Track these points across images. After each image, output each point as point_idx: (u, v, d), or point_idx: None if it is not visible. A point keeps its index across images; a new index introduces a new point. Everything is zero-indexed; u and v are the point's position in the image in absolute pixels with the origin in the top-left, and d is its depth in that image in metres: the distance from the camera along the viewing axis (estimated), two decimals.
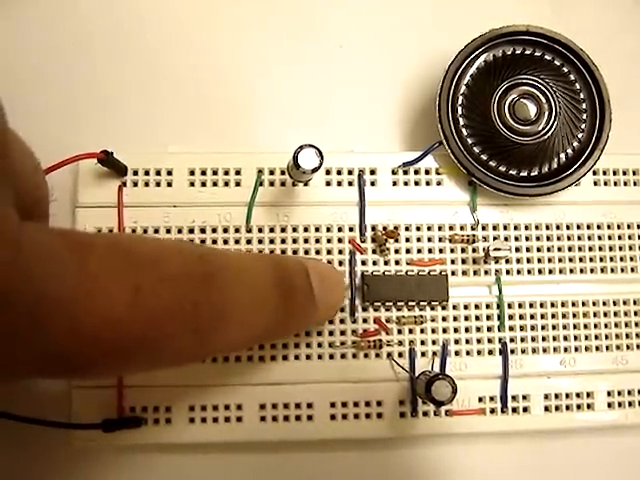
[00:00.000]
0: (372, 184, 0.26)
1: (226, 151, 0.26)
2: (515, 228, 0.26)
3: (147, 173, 0.25)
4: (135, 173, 0.25)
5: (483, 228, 0.26)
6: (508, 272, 0.26)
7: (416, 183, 0.26)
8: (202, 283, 0.16)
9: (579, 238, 0.26)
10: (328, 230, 0.26)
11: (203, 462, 0.25)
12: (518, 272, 0.26)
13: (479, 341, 0.26)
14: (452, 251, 0.26)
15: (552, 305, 0.26)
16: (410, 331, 0.25)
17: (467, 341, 0.25)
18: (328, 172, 0.26)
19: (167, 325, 0.15)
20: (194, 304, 0.16)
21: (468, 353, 0.25)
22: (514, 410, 0.25)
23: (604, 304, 0.26)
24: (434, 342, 0.25)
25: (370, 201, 0.26)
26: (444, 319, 0.26)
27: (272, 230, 0.25)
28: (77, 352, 0.14)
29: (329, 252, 0.25)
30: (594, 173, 0.27)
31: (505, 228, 0.26)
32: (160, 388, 0.24)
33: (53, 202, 0.21)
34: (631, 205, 0.27)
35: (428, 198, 0.26)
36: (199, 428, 0.24)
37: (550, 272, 0.26)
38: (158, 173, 0.25)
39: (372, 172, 0.26)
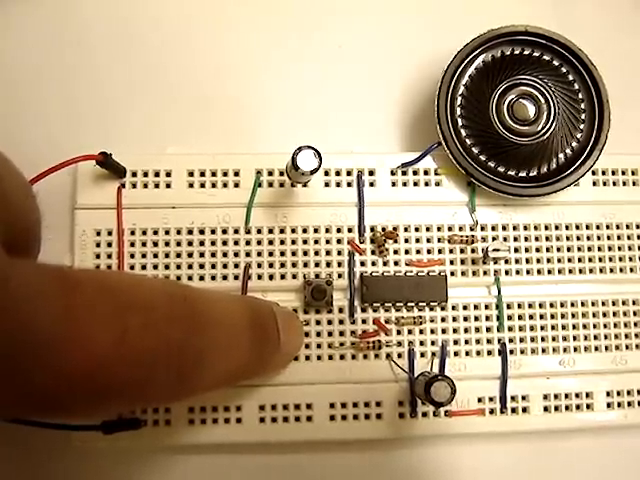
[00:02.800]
0: (371, 185, 0.26)
1: (225, 152, 0.26)
2: (514, 228, 0.26)
3: (146, 174, 0.25)
4: (134, 174, 0.25)
5: (482, 229, 0.26)
6: (507, 272, 0.26)
7: (415, 184, 0.26)
8: (187, 326, 0.16)
9: (578, 238, 0.26)
10: (327, 231, 0.26)
11: (203, 463, 0.25)
12: (517, 272, 0.26)
13: (478, 342, 0.26)
14: (451, 252, 0.26)
15: (551, 305, 0.26)
16: (409, 332, 0.25)
17: (466, 342, 0.26)
18: (327, 173, 0.26)
19: (152, 368, 0.15)
20: (179, 347, 0.16)
21: (467, 354, 0.25)
22: (513, 410, 0.25)
23: (603, 304, 0.26)
24: (433, 343, 0.25)
25: (369, 202, 0.26)
26: (443, 320, 0.26)
27: (271, 231, 0.25)
28: (60, 393, 0.14)
29: (328, 253, 0.25)
30: (593, 173, 0.27)
31: (504, 228, 0.26)
32: None
33: (51, 205, 0.21)
34: (630, 205, 0.27)
35: (427, 199, 0.26)
36: (199, 429, 0.24)
37: (549, 272, 0.26)
38: (157, 174, 0.25)
39: (371, 173, 0.26)
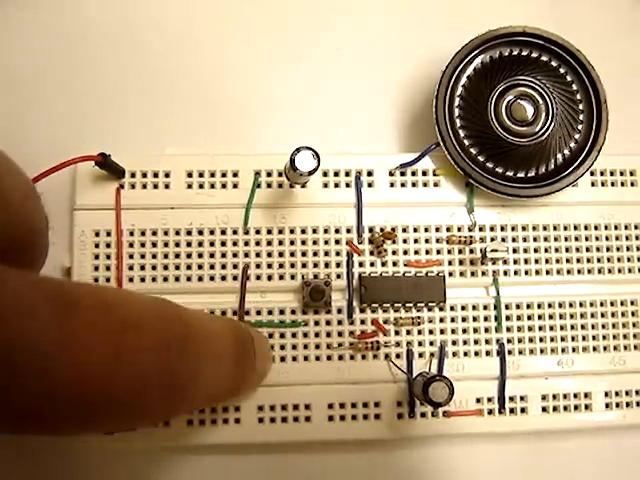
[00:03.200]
0: (369, 185, 0.26)
1: (223, 153, 0.26)
2: (512, 229, 0.26)
3: (145, 175, 0.25)
4: (133, 175, 0.25)
5: (480, 229, 0.26)
6: (505, 273, 0.26)
7: (413, 184, 0.26)
8: (182, 351, 0.16)
9: (576, 239, 0.26)
10: (325, 232, 0.26)
11: (202, 464, 0.25)
12: (515, 273, 0.26)
13: (476, 342, 0.26)
14: (449, 252, 0.26)
15: (549, 306, 0.26)
16: (407, 332, 0.25)
17: (464, 342, 0.26)
18: (325, 174, 0.26)
19: (145, 390, 0.15)
20: (173, 371, 0.16)
21: (466, 354, 0.25)
22: (512, 411, 0.25)
23: (601, 305, 0.26)
24: (431, 343, 0.25)
25: (367, 202, 0.26)
26: (441, 320, 0.26)
27: (269, 232, 0.25)
28: (49, 411, 0.13)
29: (326, 254, 0.25)
30: (591, 174, 0.27)
31: (502, 229, 0.26)
32: None
33: (50, 206, 0.21)
34: (628, 206, 0.27)
35: (425, 199, 0.26)
36: (197, 430, 0.24)
37: (547, 273, 0.26)
38: (156, 175, 0.25)
39: (369, 173, 0.26)
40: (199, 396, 0.18)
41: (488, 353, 0.26)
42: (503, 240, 0.26)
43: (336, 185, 0.26)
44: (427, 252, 0.26)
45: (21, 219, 0.17)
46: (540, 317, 0.26)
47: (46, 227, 0.19)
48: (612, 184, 0.27)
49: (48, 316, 0.13)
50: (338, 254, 0.26)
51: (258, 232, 0.25)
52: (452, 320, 0.26)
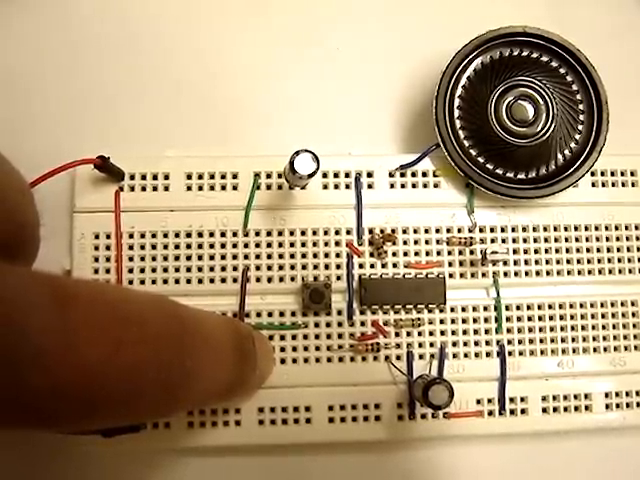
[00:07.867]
0: (369, 187, 0.26)
1: (223, 155, 0.26)
2: (513, 230, 0.26)
3: (144, 177, 0.25)
4: (132, 178, 0.25)
5: (480, 230, 0.26)
6: (506, 274, 0.26)
7: (413, 186, 0.26)
8: (178, 346, 0.16)
9: (577, 240, 0.26)
10: (325, 233, 0.26)
11: (202, 466, 0.25)
12: (516, 274, 0.26)
13: (477, 343, 0.26)
14: (449, 254, 0.26)
15: (550, 307, 0.26)
16: (408, 334, 0.25)
17: (465, 343, 0.26)
18: (325, 175, 0.26)
19: (141, 385, 0.15)
20: (169, 366, 0.16)
21: (466, 355, 0.25)
22: (512, 412, 0.25)
23: (602, 305, 0.26)
24: (432, 345, 0.25)
25: (367, 204, 0.26)
26: (442, 322, 0.26)
27: (269, 234, 0.25)
28: (49, 403, 0.14)
29: (326, 256, 0.25)
30: (592, 174, 0.27)
31: (502, 230, 0.26)
32: None
33: (50, 208, 0.21)
34: (629, 206, 0.27)
35: (425, 201, 0.26)
36: (198, 432, 0.24)
37: (548, 274, 0.26)
38: (155, 177, 0.25)
39: (369, 175, 0.26)
40: (198, 392, 0.18)
41: (488, 354, 0.26)
42: (503, 241, 0.26)
43: (336, 187, 0.26)
44: (427, 253, 0.26)
45: (17, 215, 0.17)
46: (540, 318, 0.26)
47: (38, 226, 0.19)
48: (613, 184, 0.27)
49: (48, 310, 0.13)
50: (338, 256, 0.25)
51: (258, 234, 0.25)
52: (452, 321, 0.26)
